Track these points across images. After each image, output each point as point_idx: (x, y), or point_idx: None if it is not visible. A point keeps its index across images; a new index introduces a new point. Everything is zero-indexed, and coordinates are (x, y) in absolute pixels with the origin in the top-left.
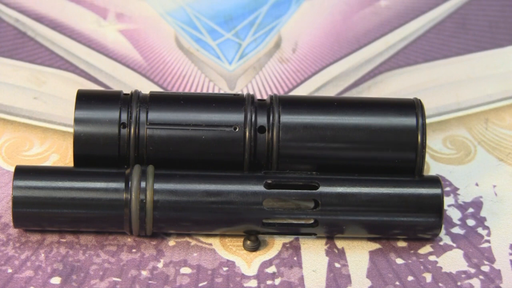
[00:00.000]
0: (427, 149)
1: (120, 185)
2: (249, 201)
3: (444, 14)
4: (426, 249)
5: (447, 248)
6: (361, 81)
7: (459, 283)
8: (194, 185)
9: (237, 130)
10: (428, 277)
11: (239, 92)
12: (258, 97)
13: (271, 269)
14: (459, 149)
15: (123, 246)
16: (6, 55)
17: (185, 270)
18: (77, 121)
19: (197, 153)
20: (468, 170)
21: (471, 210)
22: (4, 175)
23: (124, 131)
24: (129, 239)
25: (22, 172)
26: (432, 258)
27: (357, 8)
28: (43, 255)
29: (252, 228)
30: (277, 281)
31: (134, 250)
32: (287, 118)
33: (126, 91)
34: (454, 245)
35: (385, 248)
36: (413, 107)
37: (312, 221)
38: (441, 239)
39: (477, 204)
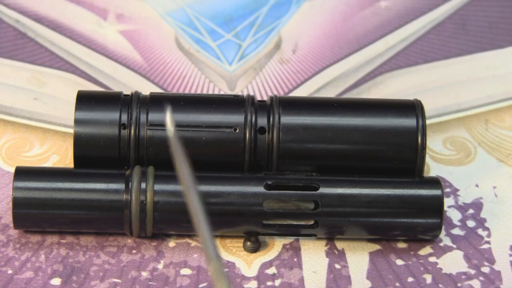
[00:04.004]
0: (427, 150)
1: (120, 186)
2: (249, 202)
3: (444, 15)
4: (426, 250)
5: (447, 249)
6: (361, 82)
7: (459, 284)
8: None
9: (237, 131)
10: (428, 278)
11: (239, 93)
12: (258, 98)
13: (271, 270)
14: (459, 150)
15: (123, 247)
16: (6, 56)
17: (185, 271)
18: (77, 122)
19: (197, 154)
20: (468, 171)
21: (471, 211)
22: (4, 176)
23: (124, 132)
24: (129, 240)
25: (22, 173)
26: (432, 259)
27: (357, 9)
28: (43, 256)
29: (252, 229)
30: (277, 282)
31: (134, 251)
32: (287, 119)
33: (126, 92)
34: (454, 246)
35: (385, 249)
36: (413, 108)
37: (312, 222)
38: (441, 240)
39: (477, 205)
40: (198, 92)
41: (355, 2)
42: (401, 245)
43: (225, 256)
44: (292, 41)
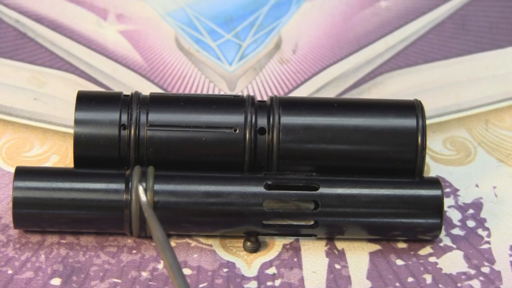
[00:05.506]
0: (427, 150)
1: (120, 186)
2: (249, 202)
3: (444, 15)
4: (426, 250)
5: (447, 249)
6: (361, 82)
7: (459, 285)
8: (194, 186)
9: (237, 131)
10: (428, 278)
11: (239, 93)
12: (258, 98)
13: (271, 270)
14: (459, 150)
15: (123, 247)
16: (6, 56)
17: (185, 271)
18: (77, 122)
19: (197, 154)
20: (468, 171)
21: (471, 211)
22: (5, 176)
23: (124, 132)
24: (129, 240)
25: (22, 173)
26: (432, 259)
27: (357, 9)
28: (43, 256)
29: (252, 229)
30: (277, 282)
31: (134, 251)
32: (287, 120)
33: (126, 92)
34: (454, 246)
35: (385, 249)
36: (413, 108)
37: (312, 223)
38: (441, 240)
39: (477, 205)
40: (198, 92)
41: (355, 2)
42: (401, 245)
43: (225, 256)
44: (292, 41)
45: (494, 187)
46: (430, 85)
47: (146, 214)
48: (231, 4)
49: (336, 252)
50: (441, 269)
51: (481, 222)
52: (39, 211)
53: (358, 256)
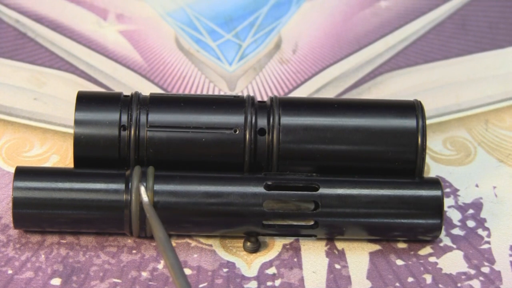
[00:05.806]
0: (427, 150)
1: (120, 186)
2: (249, 202)
3: (444, 15)
4: (426, 250)
5: (447, 249)
6: (361, 82)
7: (459, 285)
8: (194, 187)
9: (237, 132)
10: (428, 278)
11: (239, 94)
12: (258, 98)
13: (271, 270)
14: (459, 150)
15: (123, 247)
16: (6, 56)
17: (186, 271)
18: (77, 123)
19: (197, 155)
20: (468, 171)
21: (471, 211)
22: (5, 176)
23: (124, 133)
24: (129, 240)
25: (22, 173)
26: (432, 259)
27: (357, 9)
28: (43, 256)
29: (252, 229)
30: (277, 282)
31: (134, 251)
32: (287, 120)
33: (126, 92)
34: (454, 246)
35: (385, 249)
36: (413, 108)
37: (312, 223)
38: (441, 240)
39: (477, 205)
40: (198, 92)
41: (355, 2)
42: (401, 245)
43: (225, 256)
44: (292, 41)
45: (494, 187)
46: (430, 85)
47: (147, 214)
48: (231, 4)
49: (336, 252)
50: (441, 269)
51: (481, 222)
52: (39, 211)
53: (358, 256)
